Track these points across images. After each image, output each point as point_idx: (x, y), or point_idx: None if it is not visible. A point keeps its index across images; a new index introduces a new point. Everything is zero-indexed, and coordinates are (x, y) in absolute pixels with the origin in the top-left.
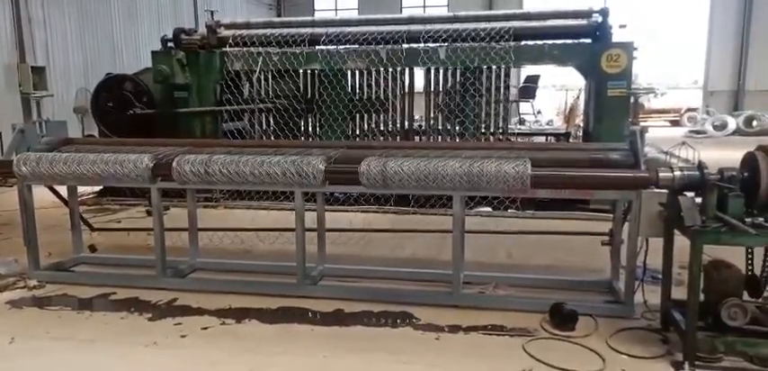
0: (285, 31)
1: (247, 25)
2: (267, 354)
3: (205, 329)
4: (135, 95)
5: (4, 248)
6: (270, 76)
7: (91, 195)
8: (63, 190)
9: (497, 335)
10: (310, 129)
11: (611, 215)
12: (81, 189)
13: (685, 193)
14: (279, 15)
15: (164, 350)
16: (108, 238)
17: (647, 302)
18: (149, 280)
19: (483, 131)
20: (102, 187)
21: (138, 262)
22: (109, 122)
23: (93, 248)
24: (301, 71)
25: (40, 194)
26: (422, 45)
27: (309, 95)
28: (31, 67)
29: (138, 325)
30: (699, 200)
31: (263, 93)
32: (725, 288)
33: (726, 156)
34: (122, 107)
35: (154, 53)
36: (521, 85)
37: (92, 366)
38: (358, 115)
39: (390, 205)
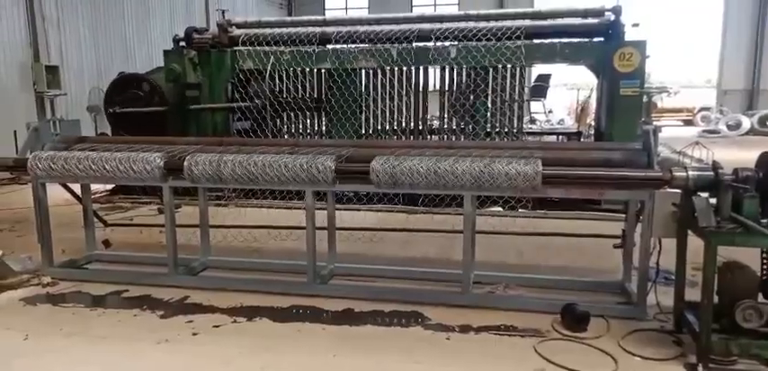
0: (296, 30)
1: (259, 24)
2: (278, 352)
3: (216, 327)
4: (147, 93)
5: (19, 245)
6: (281, 76)
7: (103, 193)
8: (76, 188)
9: (508, 335)
10: (321, 127)
11: (624, 216)
12: (94, 187)
13: (699, 193)
14: (290, 14)
15: (176, 348)
16: (121, 235)
17: (660, 303)
18: (161, 278)
19: (497, 129)
20: (114, 185)
21: (150, 260)
22: (121, 121)
23: (107, 243)
24: (313, 70)
25: (54, 191)
26: (433, 44)
27: (320, 94)
28: (45, 67)
29: (151, 322)
30: (713, 200)
31: (274, 91)
32: (739, 290)
33: (740, 156)
34: (134, 106)
35: (166, 52)
36: (532, 84)
37: (105, 362)
38: (368, 114)
39: (400, 204)
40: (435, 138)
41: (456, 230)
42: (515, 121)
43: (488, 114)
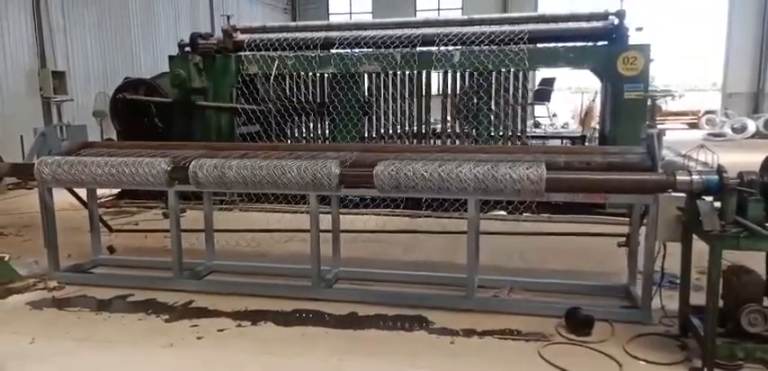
0: (300, 34)
1: (263, 29)
2: (282, 356)
3: (221, 331)
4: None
5: (26, 249)
6: (286, 80)
7: (109, 198)
8: (83, 193)
9: (512, 339)
10: (325, 132)
11: (628, 220)
12: (99, 192)
13: (704, 197)
14: (294, 19)
15: (181, 352)
16: (126, 239)
17: (665, 307)
18: (166, 282)
19: (501, 134)
20: (120, 190)
21: (155, 264)
22: (126, 126)
23: (111, 249)
24: (316, 75)
25: (60, 196)
26: (436, 48)
27: (324, 99)
28: (52, 72)
29: (156, 326)
30: (718, 204)
31: (278, 96)
32: (745, 294)
33: (745, 159)
34: (139, 111)
35: (171, 57)
36: (536, 88)
37: (110, 366)
38: (372, 118)
39: (404, 208)
40: (438, 142)
41: (460, 230)
42: (519, 124)
43: (492, 118)
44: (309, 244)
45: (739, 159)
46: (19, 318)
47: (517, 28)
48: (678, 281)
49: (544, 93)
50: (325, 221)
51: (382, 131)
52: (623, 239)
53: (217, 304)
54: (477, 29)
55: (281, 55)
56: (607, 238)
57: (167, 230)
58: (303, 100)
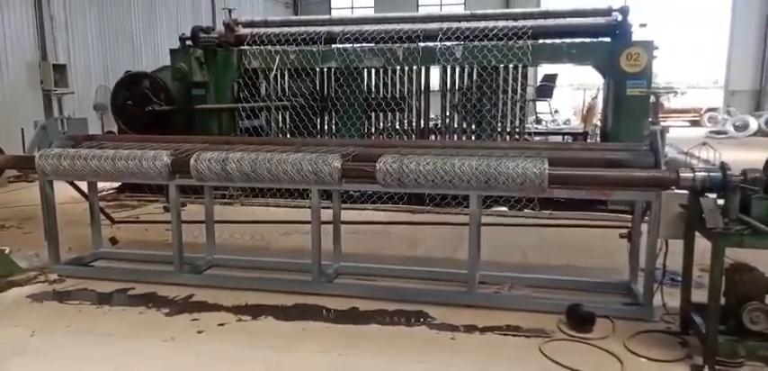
0: (302, 29)
1: (265, 23)
2: (283, 351)
3: (221, 325)
4: (153, 92)
5: (26, 242)
6: (287, 75)
7: (110, 191)
8: (83, 186)
9: (513, 335)
10: (327, 127)
11: (630, 217)
12: (100, 185)
13: (707, 194)
14: (296, 14)
15: (181, 346)
16: (127, 233)
17: (667, 304)
18: (167, 276)
19: (499, 130)
20: (120, 184)
21: (155, 258)
22: (128, 119)
23: (114, 240)
24: (318, 69)
25: (61, 189)
26: (438, 43)
27: (326, 94)
28: (53, 65)
29: (156, 320)
30: (721, 202)
31: (280, 91)
32: (747, 292)
33: (748, 157)
34: (141, 104)
35: (172, 51)
36: (538, 84)
37: (110, 360)
38: (374, 114)
39: (405, 203)
40: (440, 137)
41: (462, 223)
42: (518, 121)
43: (494, 114)
44: (310, 238)
45: (742, 157)
46: (19, 311)
47: (520, 24)
48: (680, 278)
49: (546, 89)
50: (327, 216)
51: (381, 126)
52: (626, 231)
53: (217, 298)
54: (479, 24)
55: (283, 49)
56: (608, 235)
57: (168, 222)
58: (303, 95)
